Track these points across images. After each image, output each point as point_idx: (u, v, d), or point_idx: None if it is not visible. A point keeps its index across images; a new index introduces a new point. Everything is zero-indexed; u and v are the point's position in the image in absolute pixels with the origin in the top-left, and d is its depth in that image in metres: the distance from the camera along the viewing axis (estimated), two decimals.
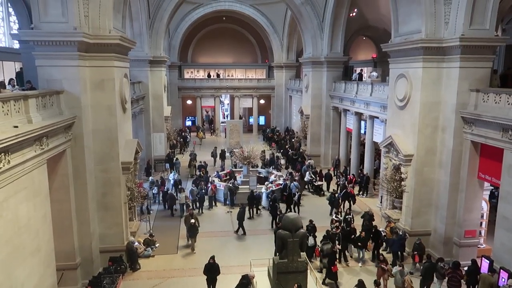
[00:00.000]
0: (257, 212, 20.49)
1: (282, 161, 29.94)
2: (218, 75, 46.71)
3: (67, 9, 12.46)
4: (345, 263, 15.41)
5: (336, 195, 20.72)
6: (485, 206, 15.67)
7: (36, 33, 12.49)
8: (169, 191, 21.44)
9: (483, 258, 12.67)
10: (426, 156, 15.35)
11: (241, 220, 17.89)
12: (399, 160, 16.13)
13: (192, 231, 16.41)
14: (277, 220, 17.25)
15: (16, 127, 9.11)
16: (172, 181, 23.43)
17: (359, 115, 25.01)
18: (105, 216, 14.24)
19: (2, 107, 9.02)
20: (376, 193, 22.41)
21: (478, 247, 15.08)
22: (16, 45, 26.56)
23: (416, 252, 14.36)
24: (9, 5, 26.51)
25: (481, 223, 15.50)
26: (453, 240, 14.86)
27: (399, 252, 14.90)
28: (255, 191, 20.72)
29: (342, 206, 20.51)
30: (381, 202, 20.10)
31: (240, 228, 18.01)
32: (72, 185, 12.78)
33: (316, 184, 24.17)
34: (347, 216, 17.21)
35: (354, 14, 29.49)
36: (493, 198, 17.14)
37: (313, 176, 24.41)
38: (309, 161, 27.49)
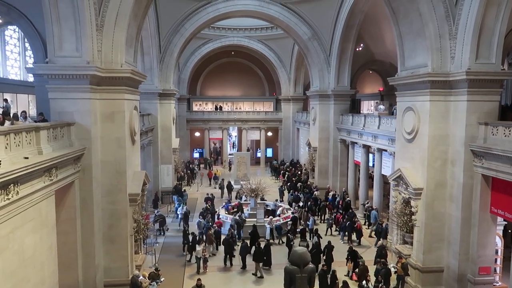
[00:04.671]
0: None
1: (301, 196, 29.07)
2: (220, 108, 47.35)
3: (82, 44, 12.86)
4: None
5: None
6: (499, 242, 15.23)
7: (51, 67, 12.85)
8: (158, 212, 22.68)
9: None
10: (436, 189, 15.13)
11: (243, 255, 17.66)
12: (408, 194, 15.90)
13: None
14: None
15: (27, 158, 9.20)
16: (180, 215, 23.24)
17: (367, 148, 24.95)
18: (111, 249, 14.05)
19: (14, 139, 9.13)
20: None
21: (494, 285, 14.56)
22: (30, 78, 27.42)
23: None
24: (25, 40, 27.57)
25: (496, 260, 15.01)
26: (467, 277, 14.34)
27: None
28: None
29: (347, 239, 20.71)
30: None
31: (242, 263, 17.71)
32: (79, 217, 12.72)
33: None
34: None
35: (360, 48, 30.09)
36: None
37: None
38: (315, 192, 27.27)
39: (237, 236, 21.04)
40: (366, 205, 24.14)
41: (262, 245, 17.60)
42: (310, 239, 21.04)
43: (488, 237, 14.24)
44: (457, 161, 14.55)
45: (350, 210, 23.04)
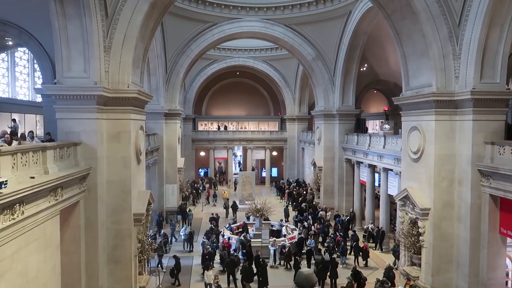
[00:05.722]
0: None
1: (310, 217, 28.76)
2: (225, 127, 47.61)
3: (89, 65, 13.09)
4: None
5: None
6: (509, 264, 14.90)
7: (59, 87, 13.05)
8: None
9: None
10: (443, 209, 14.93)
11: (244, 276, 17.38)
12: (415, 214, 15.69)
13: None
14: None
15: (33, 177, 9.24)
16: (183, 236, 23.03)
17: (372, 168, 24.81)
18: (115, 270, 13.89)
19: (21, 158, 9.19)
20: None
21: None
22: (39, 98, 27.81)
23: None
24: (34, 61, 28.11)
25: (506, 282, 14.66)
26: None
27: None
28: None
29: (355, 261, 20.28)
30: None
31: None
32: (83, 237, 12.65)
33: None
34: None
35: (364, 68, 30.31)
36: None
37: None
38: (320, 212, 26.98)
39: (242, 257, 20.77)
40: (369, 225, 23.80)
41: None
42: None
43: (498, 259, 13.96)
44: (464, 180, 14.40)
45: (353, 233, 22.65)
